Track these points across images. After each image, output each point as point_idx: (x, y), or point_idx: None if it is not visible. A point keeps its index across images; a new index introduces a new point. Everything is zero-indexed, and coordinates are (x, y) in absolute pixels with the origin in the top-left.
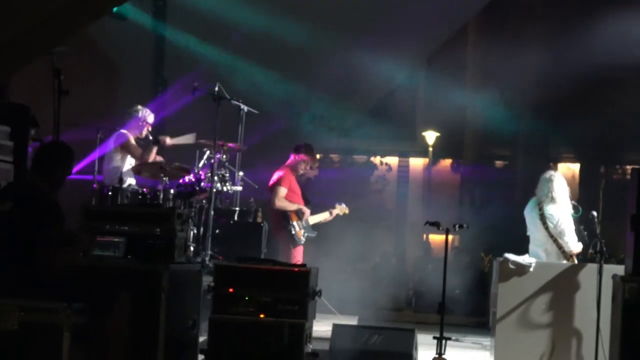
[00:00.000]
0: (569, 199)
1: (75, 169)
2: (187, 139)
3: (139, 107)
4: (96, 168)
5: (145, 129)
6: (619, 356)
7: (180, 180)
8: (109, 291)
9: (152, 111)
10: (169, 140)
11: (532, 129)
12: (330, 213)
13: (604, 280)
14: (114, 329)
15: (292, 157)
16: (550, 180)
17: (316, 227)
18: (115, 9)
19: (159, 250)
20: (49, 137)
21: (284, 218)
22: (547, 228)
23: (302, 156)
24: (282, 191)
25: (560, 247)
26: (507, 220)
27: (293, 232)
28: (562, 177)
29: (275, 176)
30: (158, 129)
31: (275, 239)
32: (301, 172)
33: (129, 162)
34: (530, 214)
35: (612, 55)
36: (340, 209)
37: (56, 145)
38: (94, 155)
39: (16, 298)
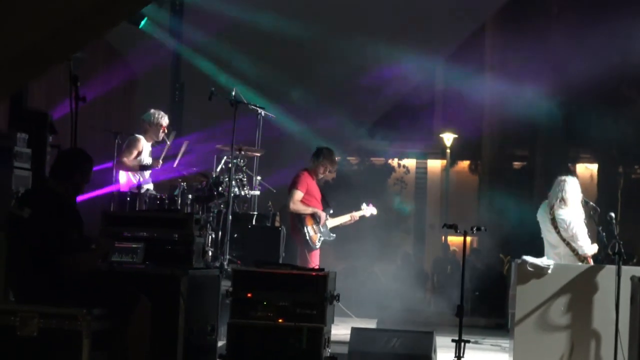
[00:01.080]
0: (580, 202)
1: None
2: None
3: (152, 110)
4: (114, 174)
5: (161, 131)
6: (638, 357)
7: (198, 185)
8: (129, 297)
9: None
10: (160, 165)
11: (551, 129)
12: (352, 217)
13: (622, 282)
14: (134, 334)
15: (312, 161)
16: (562, 184)
17: (336, 229)
18: (142, 23)
19: (178, 255)
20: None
21: (299, 222)
22: (558, 232)
23: (322, 160)
24: (298, 194)
25: (573, 250)
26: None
27: (307, 236)
28: (576, 181)
29: (292, 179)
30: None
31: (293, 243)
32: (321, 175)
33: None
34: (542, 218)
35: (630, 54)
36: (368, 210)
37: (75, 152)
38: (112, 162)
39: (36, 304)
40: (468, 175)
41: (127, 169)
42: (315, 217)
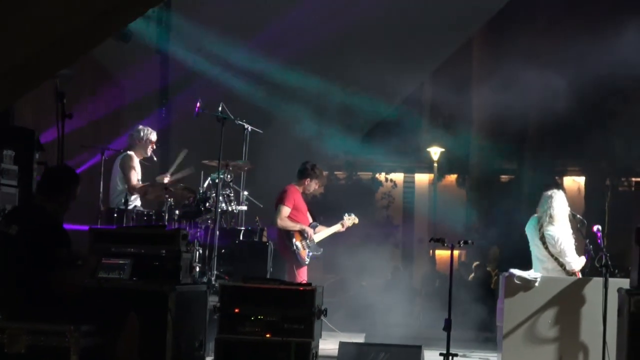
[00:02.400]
0: (568, 217)
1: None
2: (185, 172)
3: (140, 126)
4: (101, 190)
5: (150, 147)
6: None
7: (186, 201)
8: (117, 313)
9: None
10: (166, 179)
11: (538, 142)
12: (342, 225)
13: (609, 294)
14: (122, 350)
15: (298, 176)
16: (550, 199)
17: (323, 244)
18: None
19: (165, 271)
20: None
21: (287, 238)
22: (547, 247)
23: (309, 175)
24: (285, 210)
25: (561, 265)
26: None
27: (297, 252)
28: (563, 194)
29: (279, 195)
30: (162, 149)
31: (282, 259)
32: (308, 190)
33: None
34: (531, 232)
35: (616, 67)
36: (350, 220)
37: (62, 169)
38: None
39: (24, 321)
40: (455, 189)
41: (138, 191)
42: (303, 233)
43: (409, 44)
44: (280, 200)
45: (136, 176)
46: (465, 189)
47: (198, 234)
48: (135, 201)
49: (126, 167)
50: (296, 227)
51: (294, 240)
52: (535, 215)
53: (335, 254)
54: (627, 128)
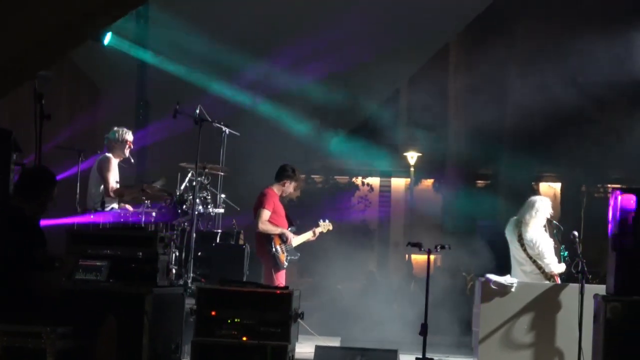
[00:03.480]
0: (548, 221)
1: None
2: (158, 183)
3: (116, 128)
4: (78, 192)
5: (127, 148)
6: None
7: (163, 203)
8: (94, 315)
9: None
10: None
11: (514, 148)
12: (314, 232)
13: (585, 300)
14: (99, 352)
15: (276, 180)
16: (534, 202)
17: (300, 247)
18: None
19: (142, 273)
20: (29, 159)
21: (267, 242)
22: (525, 250)
23: (289, 178)
24: (266, 214)
25: (540, 268)
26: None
27: (276, 256)
28: (549, 204)
29: (259, 198)
30: (140, 153)
31: (258, 262)
32: (285, 194)
33: (115, 186)
34: (510, 235)
35: (593, 75)
36: (324, 226)
37: (40, 171)
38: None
39: (0, 322)
40: (432, 193)
41: (115, 193)
42: (282, 237)
43: (386, 48)
44: (261, 204)
45: (114, 179)
46: (441, 193)
47: (174, 236)
48: (113, 203)
49: (104, 170)
50: (277, 230)
51: (273, 243)
52: (515, 217)
53: (310, 258)
54: (604, 135)
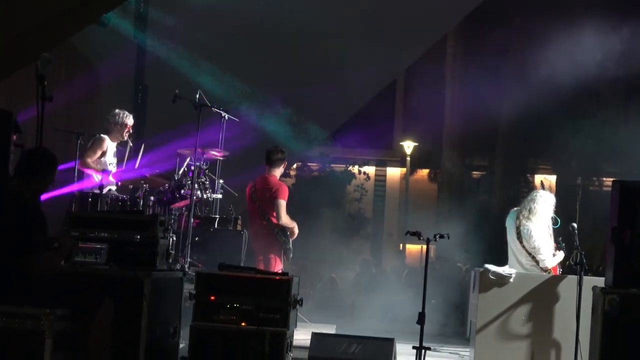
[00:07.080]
0: (549, 216)
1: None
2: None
3: (117, 110)
4: (76, 174)
5: (126, 131)
6: None
7: (161, 188)
8: (92, 297)
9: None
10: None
11: (510, 139)
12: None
13: (583, 292)
14: (96, 335)
15: (278, 164)
16: (537, 195)
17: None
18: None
19: (141, 257)
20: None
21: (283, 235)
22: (521, 242)
23: (283, 161)
24: (285, 206)
25: (535, 262)
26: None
27: (290, 250)
28: (553, 199)
29: (277, 188)
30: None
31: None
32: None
33: (110, 168)
34: (510, 225)
35: (589, 68)
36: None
37: (41, 152)
38: (74, 162)
39: None
40: (427, 183)
41: (89, 168)
42: (293, 231)
43: (383, 39)
44: (282, 195)
45: (94, 157)
46: (436, 183)
47: (172, 221)
48: (110, 186)
49: (90, 144)
50: (294, 224)
51: (289, 237)
52: (516, 208)
53: (305, 245)
54: (599, 128)
